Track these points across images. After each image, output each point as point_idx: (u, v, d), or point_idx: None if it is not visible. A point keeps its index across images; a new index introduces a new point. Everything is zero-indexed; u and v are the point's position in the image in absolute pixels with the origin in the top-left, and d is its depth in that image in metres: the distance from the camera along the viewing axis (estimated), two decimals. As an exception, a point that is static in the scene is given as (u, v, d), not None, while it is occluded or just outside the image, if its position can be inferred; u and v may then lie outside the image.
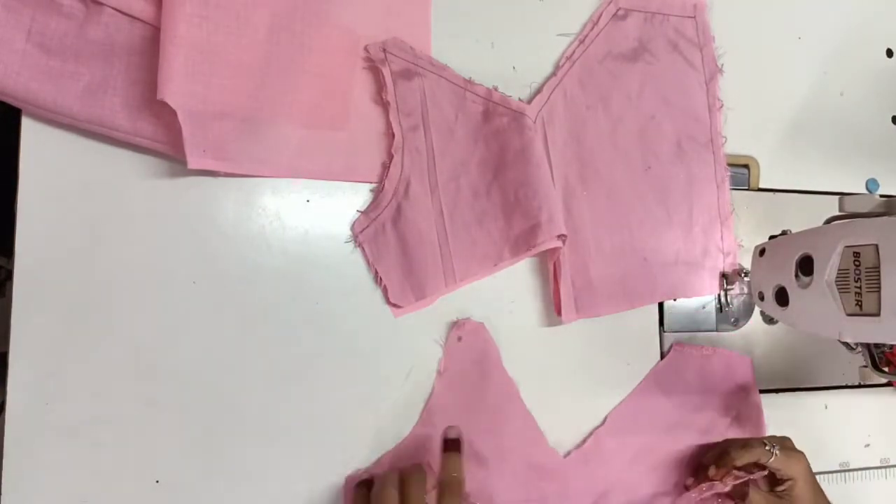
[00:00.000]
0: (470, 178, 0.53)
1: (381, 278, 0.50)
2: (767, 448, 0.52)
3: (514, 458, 0.52)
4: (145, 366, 0.46)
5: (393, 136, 0.51)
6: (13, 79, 0.42)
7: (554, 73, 0.56)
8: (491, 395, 0.52)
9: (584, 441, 0.55)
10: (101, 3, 0.43)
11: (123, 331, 0.46)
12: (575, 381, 0.55)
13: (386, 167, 0.51)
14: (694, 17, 0.60)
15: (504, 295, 0.54)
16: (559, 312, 0.53)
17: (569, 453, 0.54)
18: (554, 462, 0.54)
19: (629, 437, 0.56)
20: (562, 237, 0.53)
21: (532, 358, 0.54)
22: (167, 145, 0.45)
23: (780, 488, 0.53)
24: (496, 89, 0.54)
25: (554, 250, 0.53)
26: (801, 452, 0.54)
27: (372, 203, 0.51)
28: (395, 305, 0.51)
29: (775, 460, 0.52)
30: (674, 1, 0.60)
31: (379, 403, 0.50)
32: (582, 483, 0.54)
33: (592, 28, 0.57)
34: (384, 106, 0.51)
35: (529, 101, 0.55)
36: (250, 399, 0.48)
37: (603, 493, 0.55)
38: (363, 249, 0.50)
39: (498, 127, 0.53)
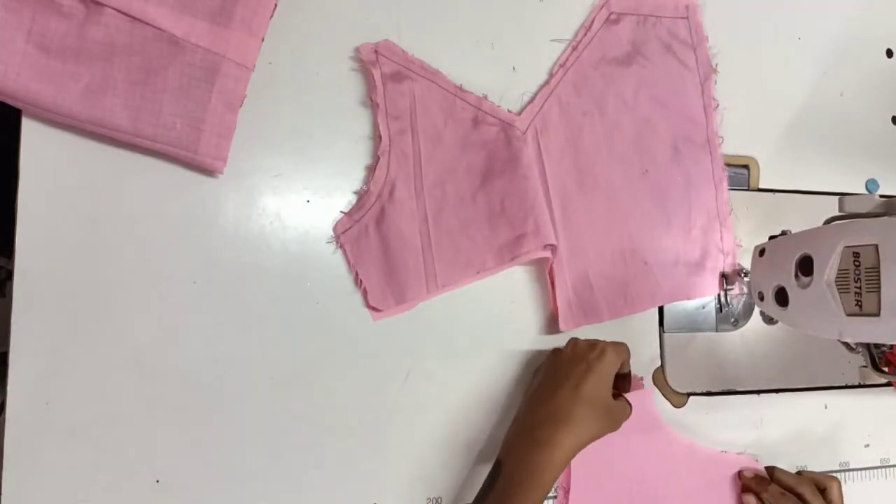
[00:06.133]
0: (456, 185, 0.53)
1: (360, 280, 0.50)
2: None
3: None
4: (145, 366, 0.46)
5: (380, 138, 0.51)
6: (13, 79, 0.42)
7: (547, 81, 0.56)
8: None
9: None
10: (101, 4, 0.43)
11: (123, 331, 0.46)
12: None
13: (371, 169, 0.51)
14: (686, 17, 0.60)
15: (504, 295, 0.54)
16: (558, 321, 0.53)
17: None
18: None
19: None
20: (550, 247, 0.53)
21: (532, 359, 0.54)
22: (167, 146, 0.45)
23: None
24: (486, 98, 0.54)
25: (545, 260, 0.53)
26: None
27: (356, 204, 0.51)
28: (374, 309, 0.50)
29: None
30: (666, 3, 0.60)
31: (379, 403, 0.50)
32: None
33: (585, 34, 0.57)
34: (373, 108, 0.51)
35: (521, 111, 0.55)
36: (250, 398, 0.48)
37: None
38: (344, 251, 0.50)
39: (486, 136, 0.53)
